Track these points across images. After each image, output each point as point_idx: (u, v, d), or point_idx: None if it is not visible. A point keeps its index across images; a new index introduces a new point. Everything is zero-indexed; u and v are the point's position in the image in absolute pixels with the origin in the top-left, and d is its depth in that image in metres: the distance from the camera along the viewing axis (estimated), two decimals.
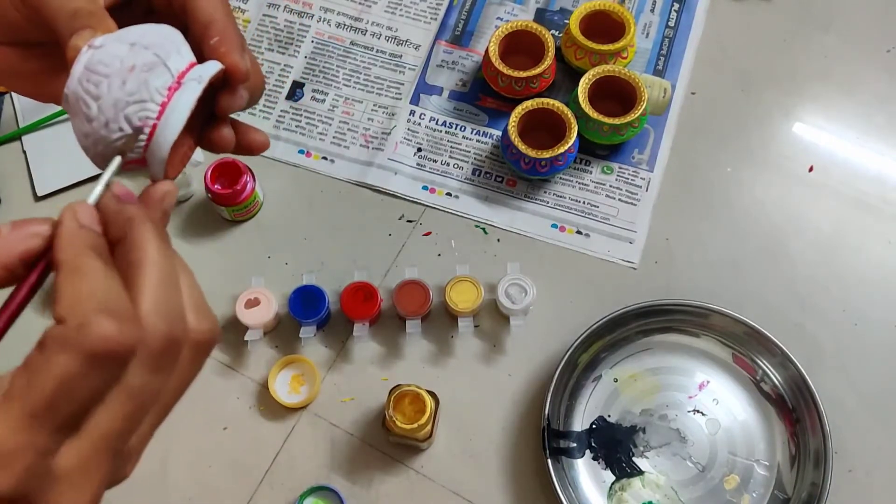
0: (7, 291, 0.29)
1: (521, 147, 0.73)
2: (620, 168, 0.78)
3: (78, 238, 0.29)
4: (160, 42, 0.32)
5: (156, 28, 0.33)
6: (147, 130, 0.31)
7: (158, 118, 0.31)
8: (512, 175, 0.78)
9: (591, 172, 0.78)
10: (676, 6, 0.86)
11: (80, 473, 0.27)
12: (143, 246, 0.29)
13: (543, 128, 0.76)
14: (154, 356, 0.28)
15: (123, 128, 0.31)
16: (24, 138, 0.80)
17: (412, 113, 0.81)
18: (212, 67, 0.33)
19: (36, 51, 0.38)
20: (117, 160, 0.32)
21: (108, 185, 0.31)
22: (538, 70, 0.77)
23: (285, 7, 0.86)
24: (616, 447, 0.69)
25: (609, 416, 0.70)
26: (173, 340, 0.29)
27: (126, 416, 0.28)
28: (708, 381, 0.71)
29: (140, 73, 0.31)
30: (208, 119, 0.36)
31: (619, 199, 0.77)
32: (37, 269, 0.29)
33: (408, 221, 0.77)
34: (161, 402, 0.30)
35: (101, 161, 0.32)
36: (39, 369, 0.26)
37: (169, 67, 0.32)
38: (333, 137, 0.80)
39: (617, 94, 0.77)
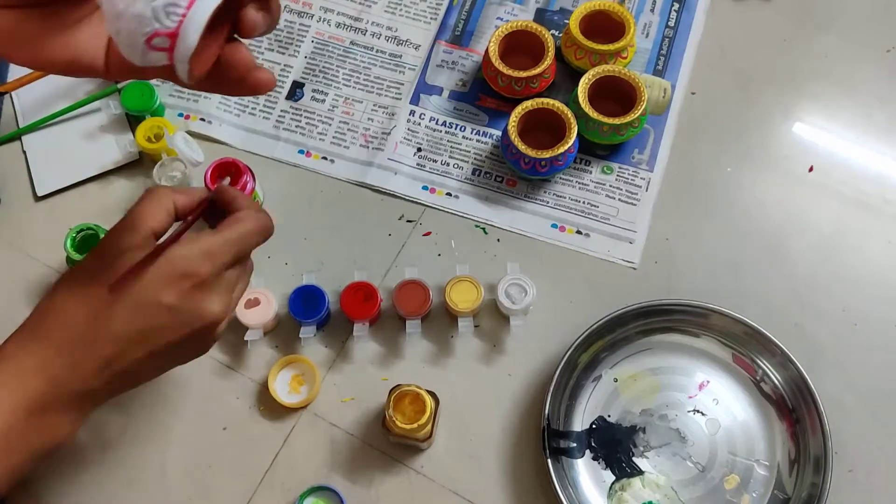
0: None
1: (521, 147, 0.73)
2: (620, 168, 0.78)
3: (246, 203, 0.56)
4: None
5: None
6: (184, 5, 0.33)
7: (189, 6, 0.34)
8: (512, 175, 0.78)
9: (591, 172, 0.78)
10: (676, 6, 0.86)
11: (227, 290, 0.53)
12: (242, 221, 0.54)
13: (543, 128, 0.76)
14: (259, 225, 0.55)
15: (158, 8, 0.33)
16: (24, 138, 0.80)
17: (412, 113, 0.81)
18: None
19: (35, 12, 0.39)
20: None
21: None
22: (538, 70, 0.77)
23: (285, 7, 0.86)
24: (616, 447, 0.68)
25: (609, 416, 0.70)
26: (263, 229, 0.56)
27: (241, 271, 0.55)
28: (708, 381, 0.71)
29: None
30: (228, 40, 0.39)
31: (619, 199, 0.77)
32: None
33: (408, 221, 0.77)
34: (239, 282, 0.55)
35: (132, 32, 0.33)
36: (236, 222, 0.53)
37: None
38: (333, 137, 0.80)
39: (617, 94, 0.77)
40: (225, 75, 0.42)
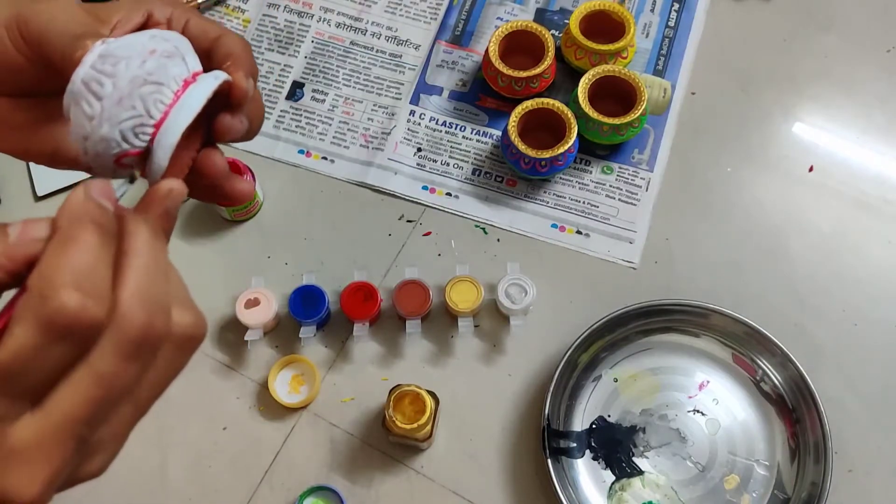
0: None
1: (521, 147, 0.73)
2: (620, 168, 0.78)
3: (81, 208, 0.28)
4: (177, 39, 0.33)
5: (169, 32, 0.33)
6: (158, 116, 0.31)
7: (171, 105, 0.31)
8: (512, 175, 0.78)
9: (591, 172, 0.78)
10: (676, 6, 0.86)
11: (36, 450, 0.26)
12: (135, 235, 0.29)
13: (543, 128, 0.76)
14: (129, 343, 0.27)
15: (136, 106, 0.31)
16: None
17: (412, 113, 0.81)
18: (222, 74, 0.33)
19: (26, 101, 0.37)
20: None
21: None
22: (538, 70, 0.77)
23: (285, 7, 0.86)
24: (616, 447, 0.68)
25: (609, 416, 0.69)
26: (152, 330, 0.28)
27: (92, 400, 0.27)
28: (708, 381, 0.71)
29: (160, 57, 0.31)
30: (203, 146, 0.36)
31: (619, 199, 0.77)
32: None
33: (408, 221, 0.77)
34: (138, 396, 0.29)
35: (100, 154, 0.31)
36: (3, 336, 0.26)
37: (186, 61, 0.32)
38: (333, 137, 0.80)
39: (617, 94, 0.77)
40: (197, 182, 0.36)
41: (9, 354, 0.26)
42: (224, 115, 0.35)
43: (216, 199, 0.39)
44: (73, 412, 0.27)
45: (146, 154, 0.32)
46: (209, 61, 0.36)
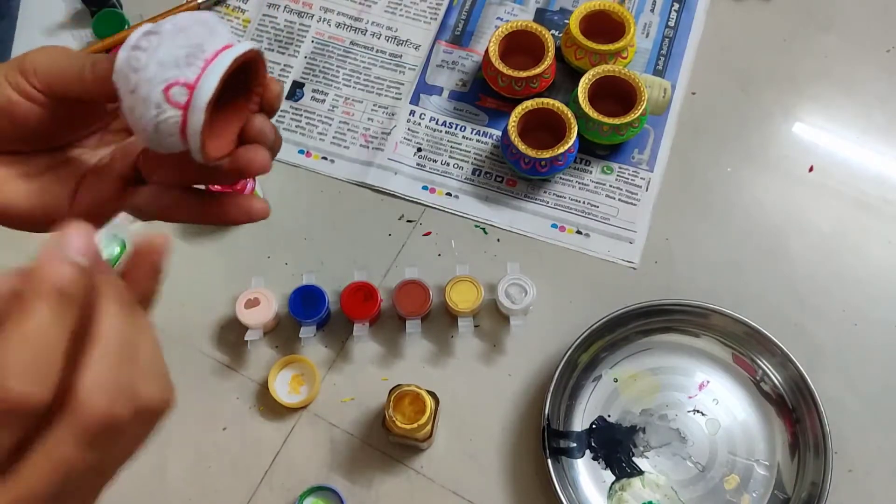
0: None
1: (521, 147, 0.73)
2: (620, 168, 0.78)
3: (47, 272, 0.26)
4: (210, 17, 0.35)
5: (203, 12, 0.35)
6: (193, 77, 0.33)
7: (204, 68, 0.33)
8: (512, 175, 0.78)
9: (591, 172, 0.78)
10: (676, 6, 0.86)
11: None
12: (104, 312, 0.28)
13: (543, 128, 0.76)
14: (89, 432, 0.26)
15: (171, 71, 0.32)
16: None
17: (412, 113, 0.81)
18: (251, 44, 0.35)
19: (38, 160, 0.38)
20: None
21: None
22: (538, 70, 0.77)
23: (285, 7, 0.86)
24: (616, 447, 0.68)
25: (609, 416, 0.69)
26: (113, 418, 0.27)
27: (54, 482, 0.27)
28: (708, 381, 0.71)
29: (195, 26, 0.34)
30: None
31: (619, 199, 0.77)
32: None
33: (408, 221, 0.77)
34: (102, 468, 0.29)
35: (144, 118, 0.33)
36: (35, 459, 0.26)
37: (218, 32, 0.34)
38: (333, 137, 0.80)
39: (617, 94, 0.77)
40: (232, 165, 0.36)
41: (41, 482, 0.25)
42: (258, 117, 0.36)
43: (235, 218, 0.38)
44: (35, 489, 0.26)
45: (193, 91, 0.33)
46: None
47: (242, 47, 0.34)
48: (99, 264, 0.29)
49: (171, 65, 0.33)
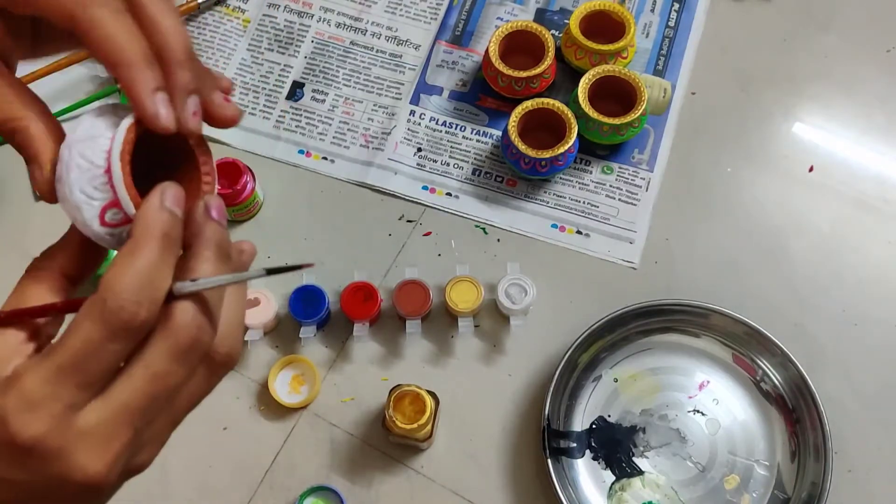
0: None
1: (521, 147, 0.73)
2: (620, 168, 0.78)
3: (154, 219, 0.32)
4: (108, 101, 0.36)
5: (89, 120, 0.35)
6: (103, 163, 0.33)
7: (109, 149, 0.33)
8: (512, 175, 0.78)
9: (591, 172, 0.78)
10: (676, 6, 0.86)
11: (101, 435, 0.30)
12: (200, 258, 0.33)
13: (543, 128, 0.76)
14: (179, 348, 0.31)
15: (82, 164, 0.33)
16: None
17: (412, 113, 0.81)
18: (124, 124, 0.34)
19: None
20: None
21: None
22: (538, 70, 0.77)
23: (285, 7, 0.86)
24: (616, 447, 0.69)
25: (609, 416, 0.70)
26: (198, 343, 0.32)
27: (147, 394, 0.31)
28: (708, 381, 0.71)
29: (93, 118, 0.35)
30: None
31: (619, 199, 0.77)
32: None
33: (408, 221, 0.77)
34: (177, 403, 0.33)
35: (86, 222, 0.34)
36: (71, 332, 0.30)
37: (116, 114, 0.35)
38: (333, 137, 0.80)
39: (617, 94, 0.77)
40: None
41: (77, 345, 0.30)
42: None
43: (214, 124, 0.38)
44: (130, 402, 0.31)
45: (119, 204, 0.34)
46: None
47: (128, 119, 0.34)
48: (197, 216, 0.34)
49: (79, 159, 0.33)
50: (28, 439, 0.30)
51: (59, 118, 0.80)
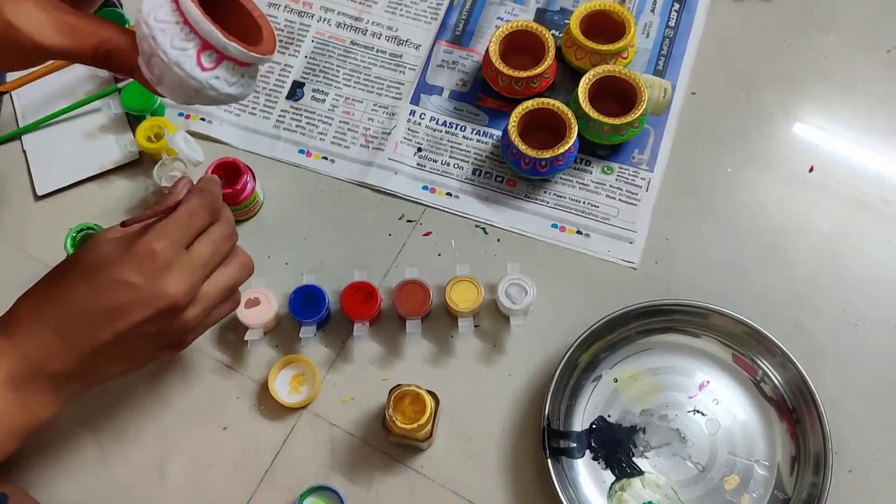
0: None
1: (522, 147, 0.73)
2: (620, 168, 0.78)
3: (209, 185, 0.58)
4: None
5: None
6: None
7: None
8: (512, 175, 0.78)
9: (591, 172, 0.78)
10: (676, 6, 0.86)
11: (187, 270, 0.54)
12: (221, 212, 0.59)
13: (544, 128, 0.76)
14: (227, 228, 0.58)
15: (164, 25, 0.39)
16: (24, 138, 0.80)
17: (412, 113, 0.81)
18: None
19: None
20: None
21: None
22: (538, 70, 0.77)
23: (285, 7, 0.86)
24: (616, 447, 0.68)
25: (609, 416, 0.70)
26: (232, 231, 0.59)
27: (209, 253, 0.56)
28: (708, 382, 0.71)
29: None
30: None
31: (620, 199, 0.77)
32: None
33: (408, 221, 0.77)
34: (218, 264, 0.57)
35: (180, 70, 0.41)
36: (187, 199, 0.56)
37: None
38: (333, 137, 0.80)
39: (617, 94, 0.77)
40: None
41: (189, 208, 0.55)
42: None
43: None
44: (202, 257, 0.55)
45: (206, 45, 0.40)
46: None
47: None
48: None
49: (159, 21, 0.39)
50: (157, 253, 0.52)
51: (59, 118, 0.80)
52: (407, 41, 0.85)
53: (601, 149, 0.79)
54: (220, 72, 0.40)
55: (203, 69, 0.39)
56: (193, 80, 0.39)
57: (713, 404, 0.70)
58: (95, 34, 0.44)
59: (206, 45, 0.39)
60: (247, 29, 0.43)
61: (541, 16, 0.85)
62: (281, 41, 0.84)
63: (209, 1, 0.40)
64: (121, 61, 0.44)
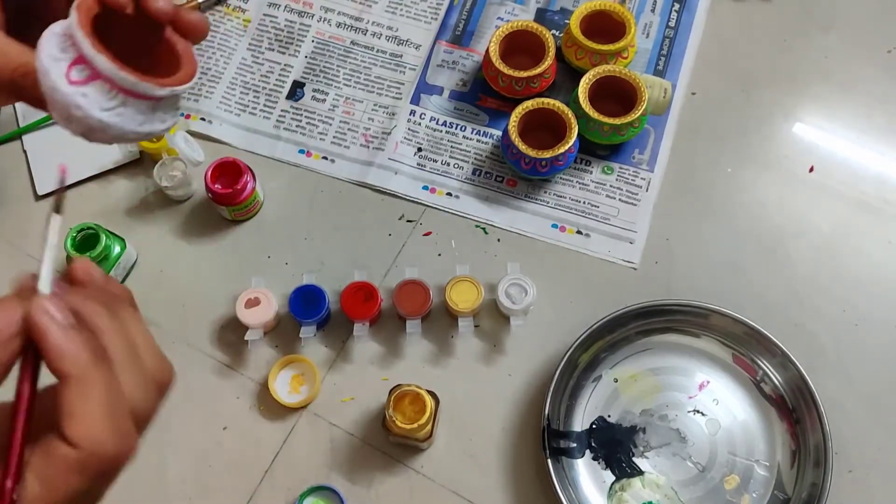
0: None
1: (522, 147, 0.73)
2: (621, 168, 0.78)
3: (76, 345, 0.30)
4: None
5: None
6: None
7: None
8: (512, 175, 0.78)
9: (591, 172, 0.78)
10: (676, 6, 0.86)
11: None
12: (103, 329, 0.32)
13: (544, 128, 0.76)
14: (99, 470, 0.31)
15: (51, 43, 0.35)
16: (24, 138, 0.80)
17: (412, 113, 0.81)
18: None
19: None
20: (55, 221, 0.36)
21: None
22: (538, 70, 0.77)
23: (286, 7, 0.86)
24: (616, 447, 0.68)
25: (609, 416, 0.69)
26: (151, 407, 0.35)
27: (106, 485, 0.33)
28: (708, 382, 0.71)
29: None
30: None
31: (620, 199, 0.77)
32: (27, 378, 0.31)
33: (408, 221, 0.77)
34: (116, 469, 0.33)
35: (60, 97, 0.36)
36: (54, 486, 0.29)
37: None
38: (334, 137, 0.80)
39: (617, 94, 0.77)
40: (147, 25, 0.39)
41: (66, 499, 0.30)
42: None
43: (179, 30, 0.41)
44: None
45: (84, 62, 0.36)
46: None
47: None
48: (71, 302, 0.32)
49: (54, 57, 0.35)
50: None
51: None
52: (407, 41, 0.85)
53: (601, 149, 0.79)
54: (89, 90, 0.35)
55: (70, 82, 0.34)
56: (58, 92, 0.34)
57: (713, 404, 0.70)
58: (22, 55, 0.37)
59: (80, 59, 0.35)
60: (175, 65, 0.39)
61: (541, 16, 0.85)
62: (281, 41, 0.84)
63: (137, 30, 0.38)
64: (33, 83, 0.37)
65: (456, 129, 0.80)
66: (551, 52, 0.78)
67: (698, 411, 0.69)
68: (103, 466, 0.30)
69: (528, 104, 0.75)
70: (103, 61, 0.34)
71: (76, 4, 0.35)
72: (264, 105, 0.82)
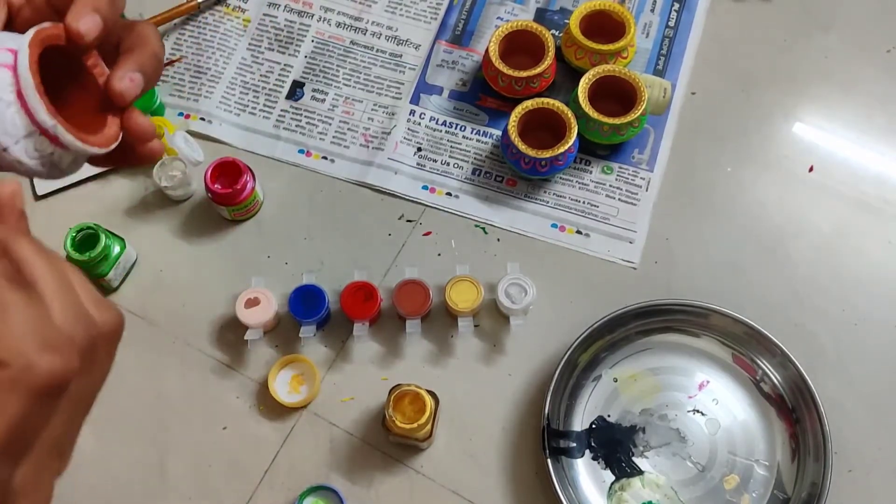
0: None
1: (522, 147, 0.73)
2: (620, 168, 0.78)
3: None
4: None
5: None
6: (11, 96, 0.34)
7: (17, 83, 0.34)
8: (512, 175, 0.78)
9: (591, 172, 0.78)
10: (676, 6, 0.86)
11: (34, 484, 0.30)
12: (30, 261, 0.30)
13: (543, 128, 0.76)
14: (41, 392, 0.28)
15: None
16: None
17: (412, 112, 0.81)
18: (42, 26, 0.35)
19: None
20: None
21: None
22: (538, 70, 0.77)
23: (285, 7, 0.86)
24: (616, 447, 0.68)
25: (609, 416, 0.69)
26: (91, 341, 0.30)
27: (66, 421, 0.31)
28: (708, 381, 0.71)
29: None
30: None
31: (619, 199, 0.77)
32: None
33: (408, 221, 0.77)
34: (88, 398, 0.32)
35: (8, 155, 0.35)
36: None
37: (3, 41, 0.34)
38: (333, 137, 0.80)
39: (617, 94, 0.77)
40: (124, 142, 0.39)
41: (7, 427, 0.28)
42: (114, 77, 0.36)
43: (133, 161, 0.40)
44: (55, 438, 0.31)
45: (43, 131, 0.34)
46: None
47: (25, 39, 0.34)
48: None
49: None
50: None
51: None
52: (407, 41, 0.85)
53: (601, 149, 0.79)
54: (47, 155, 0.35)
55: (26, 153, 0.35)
56: (8, 156, 0.35)
57: (713, 404, 0.70)
58: None
59: (31, 121, 0.34)
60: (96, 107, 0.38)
61: (541, 15, 0.85)
62: (281, 41, 0.84)
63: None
64: None
65: (456, 128, 0.80)
66: (551, 52, 0.78)
67: (698, 411, 0.69)
68: (40, 382, 0.27)
69: (528, 104, 0.75)
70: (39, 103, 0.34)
71: (25, 61, 0.34)
72: (264, 105, 0.82)
